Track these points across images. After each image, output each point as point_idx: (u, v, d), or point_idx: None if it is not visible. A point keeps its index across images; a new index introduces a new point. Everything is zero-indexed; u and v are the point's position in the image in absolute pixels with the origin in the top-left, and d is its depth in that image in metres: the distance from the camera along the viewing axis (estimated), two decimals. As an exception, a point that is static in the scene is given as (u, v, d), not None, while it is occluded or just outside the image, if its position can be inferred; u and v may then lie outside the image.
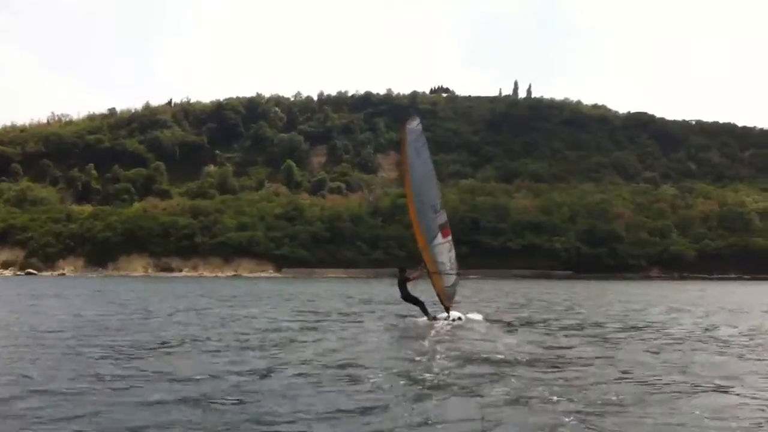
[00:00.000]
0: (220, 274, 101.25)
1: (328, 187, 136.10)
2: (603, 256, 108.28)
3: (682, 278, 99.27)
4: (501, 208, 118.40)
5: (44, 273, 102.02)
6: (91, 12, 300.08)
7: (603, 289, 55.02)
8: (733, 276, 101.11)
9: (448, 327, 18.66)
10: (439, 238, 19.80)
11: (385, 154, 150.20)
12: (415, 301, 19.88)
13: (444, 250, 19.94)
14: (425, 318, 19.64)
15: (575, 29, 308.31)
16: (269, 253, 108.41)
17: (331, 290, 48.44)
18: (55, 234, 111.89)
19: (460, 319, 19.74)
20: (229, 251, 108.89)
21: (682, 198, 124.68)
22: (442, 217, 20.13)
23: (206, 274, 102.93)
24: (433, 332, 17.57)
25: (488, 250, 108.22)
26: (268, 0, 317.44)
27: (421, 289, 21.30)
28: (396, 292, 20.75)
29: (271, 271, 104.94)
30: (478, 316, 20.75)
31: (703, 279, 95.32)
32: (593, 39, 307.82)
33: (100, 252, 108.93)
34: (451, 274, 20.10)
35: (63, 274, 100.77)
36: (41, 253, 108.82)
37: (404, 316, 21.41)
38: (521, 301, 34.26)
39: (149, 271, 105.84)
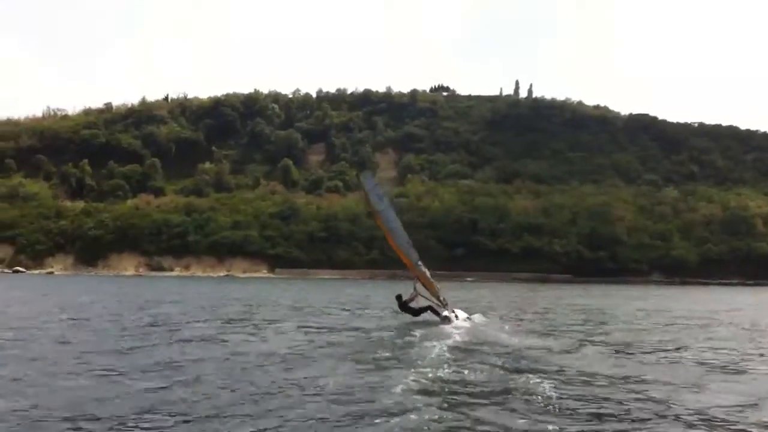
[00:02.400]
0: (212, 274, 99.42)
1: (325, 186, 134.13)
2: (603, 260, 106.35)
3: (683, 284, 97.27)
4: (500, 209, 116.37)
5: (33, 271, 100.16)
6: (90, 6, 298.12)
7: (653, 296, 52.54)
8: (735, 282, 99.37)
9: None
10: (420, 263, 22.28)
11: (384, 153, 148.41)
12: (425, 310, 22.09)
13: (426, 271, 22.49)
14: (438, 318, 21.73)
15: (577, 30, 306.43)
16: (263, 253, 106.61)
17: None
18: (44, 231, 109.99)
19: (469, 318, 22.66)
20: (222, 250, 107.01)
21: (685, 201, 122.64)
22: (415, 253, 22.52)
23: (199, 273, 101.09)
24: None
25: (486, 251, 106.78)
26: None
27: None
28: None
29: (265, 271, 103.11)
30: (481, 318, 23.83)
31: (706, 284, 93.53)
32: (595, 40, 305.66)
33: (91, 250, 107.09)
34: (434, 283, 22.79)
35: (51, 273, 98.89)
36: (30, 250, 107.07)
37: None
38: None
39: (140, 270, 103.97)
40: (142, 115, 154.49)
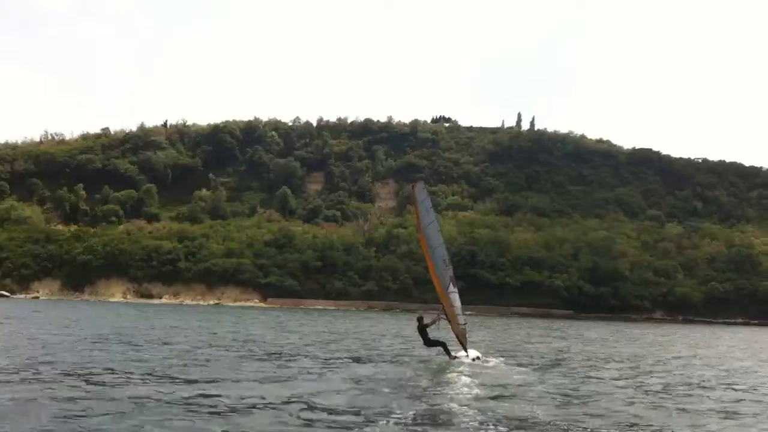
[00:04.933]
0: (201, 302, 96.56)
1: (323, 215, 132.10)
2: (605, 296, 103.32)
3: (686, 322, 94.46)
4: (501, 241, 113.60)
5: (18, 295, 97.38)
6: (91, 32, 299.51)
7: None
8: (740, 321, 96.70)
9: None
10: (452, 287, 22.57)
11: (383, 183, 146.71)
12: (437, 344, 22.53)
13: (456, 297, 22.69)
14: (447, 357, 22.39)
15: (581, 62, 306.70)
16: (255, 282, 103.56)
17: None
18: (32, 255, 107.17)
19: (478, 358, 22.74)
20: (213, 278, 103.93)
21: (688, 237, 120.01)
22: (451, 270, 22.78)
23: (188, 301, 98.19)
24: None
25: (485, 285, 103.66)
26: (269, 24, 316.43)
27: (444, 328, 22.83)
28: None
29: (257, 300, 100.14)
30: (497, 360, 23.87)
31: (710, 323, 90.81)
32: (598, 74, 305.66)
33: (78, 275, 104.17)
34: (461, 316, 22.72)
35: (37, 298, 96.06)
36: (16, 274, 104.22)
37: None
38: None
39: (128, 296, 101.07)
40: (139, 141, 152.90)
